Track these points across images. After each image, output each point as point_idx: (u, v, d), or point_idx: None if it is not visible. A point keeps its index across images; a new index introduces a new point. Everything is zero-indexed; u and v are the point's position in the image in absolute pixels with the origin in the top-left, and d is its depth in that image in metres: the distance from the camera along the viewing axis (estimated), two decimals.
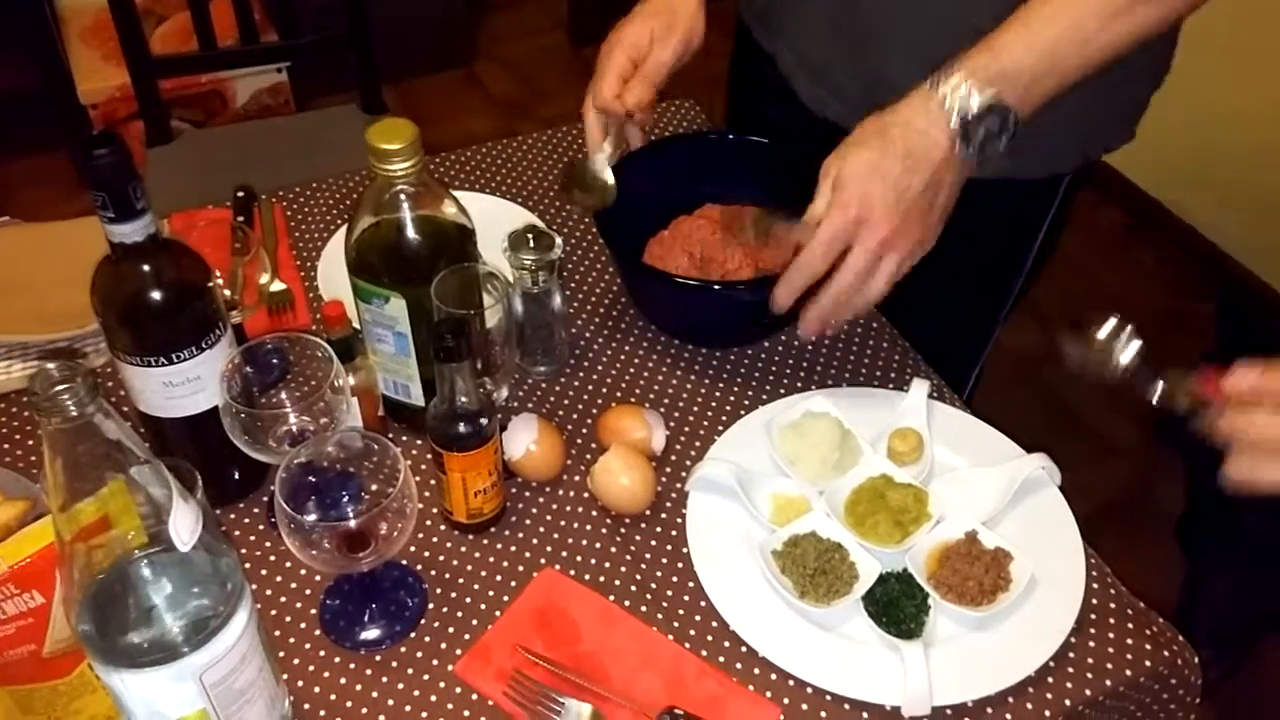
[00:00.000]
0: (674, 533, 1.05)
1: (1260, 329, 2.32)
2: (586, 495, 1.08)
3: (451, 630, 0.98)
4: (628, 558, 1.03)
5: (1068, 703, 0.93)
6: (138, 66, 2.04)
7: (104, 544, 0.72)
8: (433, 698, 0.93)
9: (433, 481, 1.06)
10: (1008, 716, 0.92)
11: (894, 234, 0.99)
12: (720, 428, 1.14)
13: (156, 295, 0.91)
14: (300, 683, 0.94)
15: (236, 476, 1.06)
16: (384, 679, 0.94)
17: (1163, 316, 2.73)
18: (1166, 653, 0.96)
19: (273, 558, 1.03)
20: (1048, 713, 0.92)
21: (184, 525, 0.73)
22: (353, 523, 0.88)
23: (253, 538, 1.05)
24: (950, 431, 1.13)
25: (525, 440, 1.06)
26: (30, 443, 1.13)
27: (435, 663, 0.95)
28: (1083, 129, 1.23)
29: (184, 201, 1.45)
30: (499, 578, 1.02)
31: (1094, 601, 0.99)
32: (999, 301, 1.45)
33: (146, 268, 0.90)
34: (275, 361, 1.07)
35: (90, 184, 0.84)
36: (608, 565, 1.03)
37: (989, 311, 1.46)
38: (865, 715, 0.92)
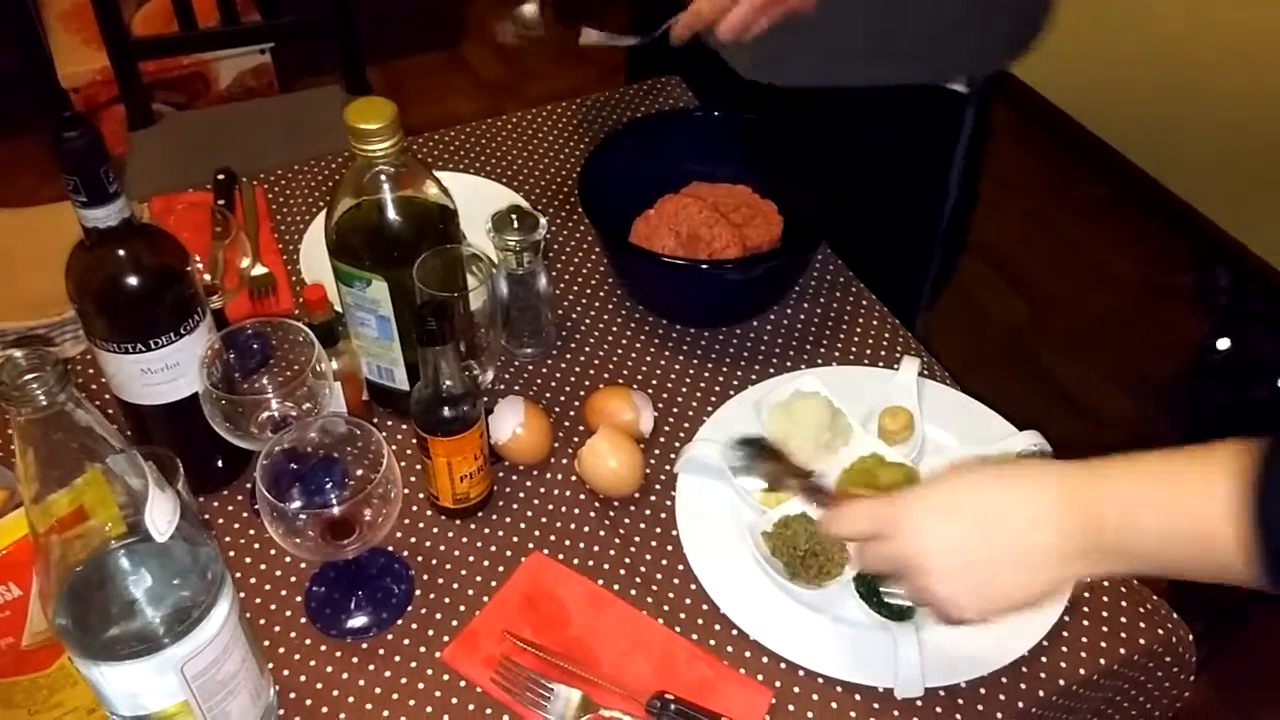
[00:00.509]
0: (663, 515, 1.04)
1: (1245, 296, 2.32)
2: (574, 478, 1.07)
3: (439, 617, 0.96)
4: (616, 541, 1.02)
5: (1062, 682, 0.92)
6: (117, 48, 2.02)
7: (81, 535, 0.71)
8: (420, 685, 0.92)
9: (418, 466, 1.05)
10: (1001, 697, 0.91)
11: None
12: (709, 408, 1.13)
13: (132, 280, 0.89)
14: (286, 672, 0.93)
15: (219, 464, 1.05)
16: (371, 667, 0.93)
17: (1145, 286, 2.73)
18: (1161, 630, 0.96)
19: (257, 545, 1.02)
20: (1041, 692, 0.91)
21: (161, 515, 0.72)
22: (336, 509, 0.87)
23: (236, 525, 1.04)
24: (941, 409, 1.11)
25: (512, 423, 1.05)
26: (11, 431, 1.11)
27: (423, 650, 0.94)
28: (980, 35, 1.28)
29: (166, 185, 1.43)
30: (486, 563, 1.00)
31: (1087, 579, 0.98)
32: (933, 223, 1.48)
33: (121, 252, 0.88)
34: (256, 347, 1.05)
35: (62, 168, 0.82)
36: (596, 549, 1.02)
37: (927, 236, 1.50)
38: (858, 697, 0.91)
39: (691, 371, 1.18)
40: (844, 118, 1.34)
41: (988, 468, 0.82)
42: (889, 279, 1.31)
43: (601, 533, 1.03)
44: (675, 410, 1.14)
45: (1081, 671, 0.93)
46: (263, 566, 1.00)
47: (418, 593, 0.98)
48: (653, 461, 1.08)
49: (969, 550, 0.78)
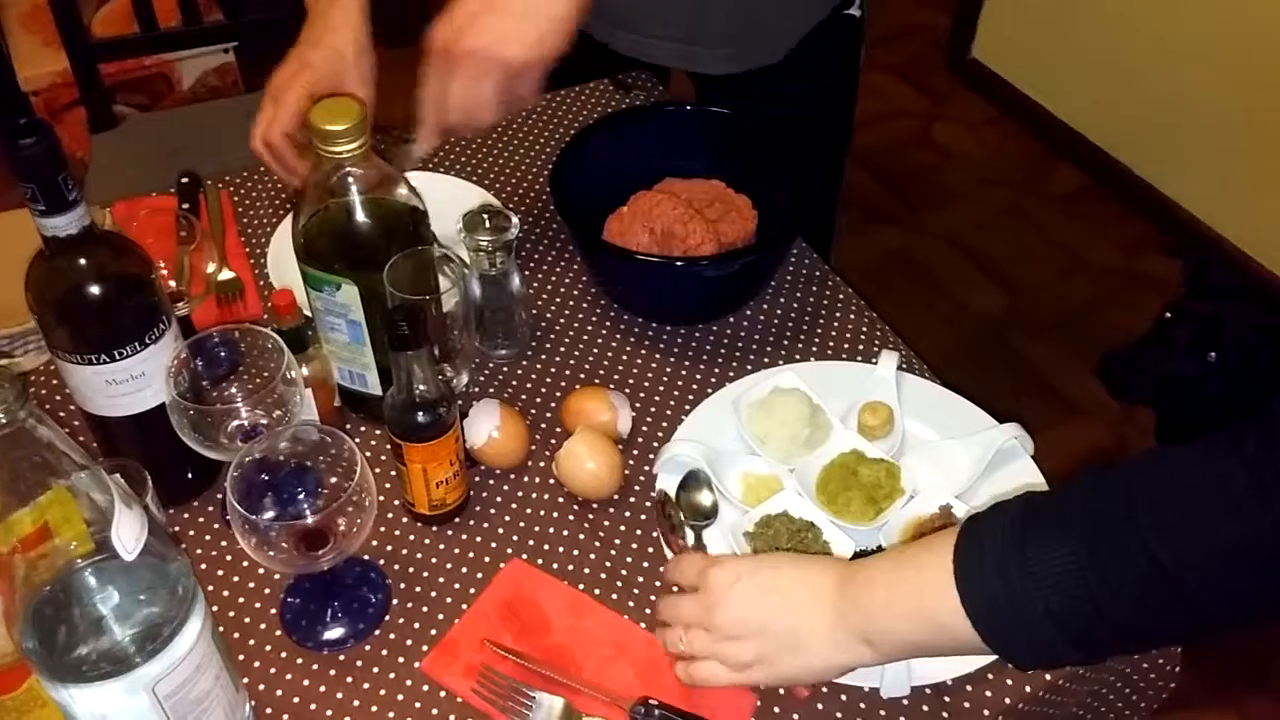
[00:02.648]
0: (643, 517, 1.03)
1: (1222, 283, 2.34)
2: (552, 482, 1.05)
3: (417, 626, 0.95)
4: (596, 545, 1.01)
5: (1048, 677, 0.91)
6: (77, 50, 1.98)
7: (45, 554, 0.69)
8: (400, 697, 0.90)
9: (393, 473, 1.03)
10: (988, 694, 0.90)
11: None
12: (687, 407, 1.11)
13: (94, 290, 0.87)
14: (262, 686, 0.91)
15: (189, 475, 1.03)
16: (349, 679, 0.91)
17: (1123, 275, 2.74)
18: None
19: (229, 558, 1.00)
20: (1028, 688, 0.90)
21: (128, 533, 0.70)
22: (309, 520, 0.85)
23: (208, 537, 1.01)
24: (921, 403, 1.11)
25: (487, 427, 1.03)
26: None
27: (401, 660, 0.92)
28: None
29: (130, 189, 1.40)
30: (464, 570, 0.99)
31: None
32: (841, 146, 1.55)
33: (82, 261, 0.86)
34: (224, 354, 1.03)
35: (18, 175, 0.80)
36: (576, 553, 1.00)
37: (837, 160, 1.56)
38: (844, 698, 0.90)
39: (669, 370, 1.16)
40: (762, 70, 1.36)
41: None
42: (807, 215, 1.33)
43: (581, 536, 1.01)
44: (653, 410, 1.12)
45: (1068, 666, 0.92)
46: (236, 579, 0.98)
47: (395, 602, 0.96)
48: (631, 462, 1.07)
49: (755, 621, 0.84)
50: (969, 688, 0.90)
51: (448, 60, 1.05)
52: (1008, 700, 0.90)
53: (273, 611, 0.96)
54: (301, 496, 0.92)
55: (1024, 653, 0.75)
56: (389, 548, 1.01)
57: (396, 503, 1.03)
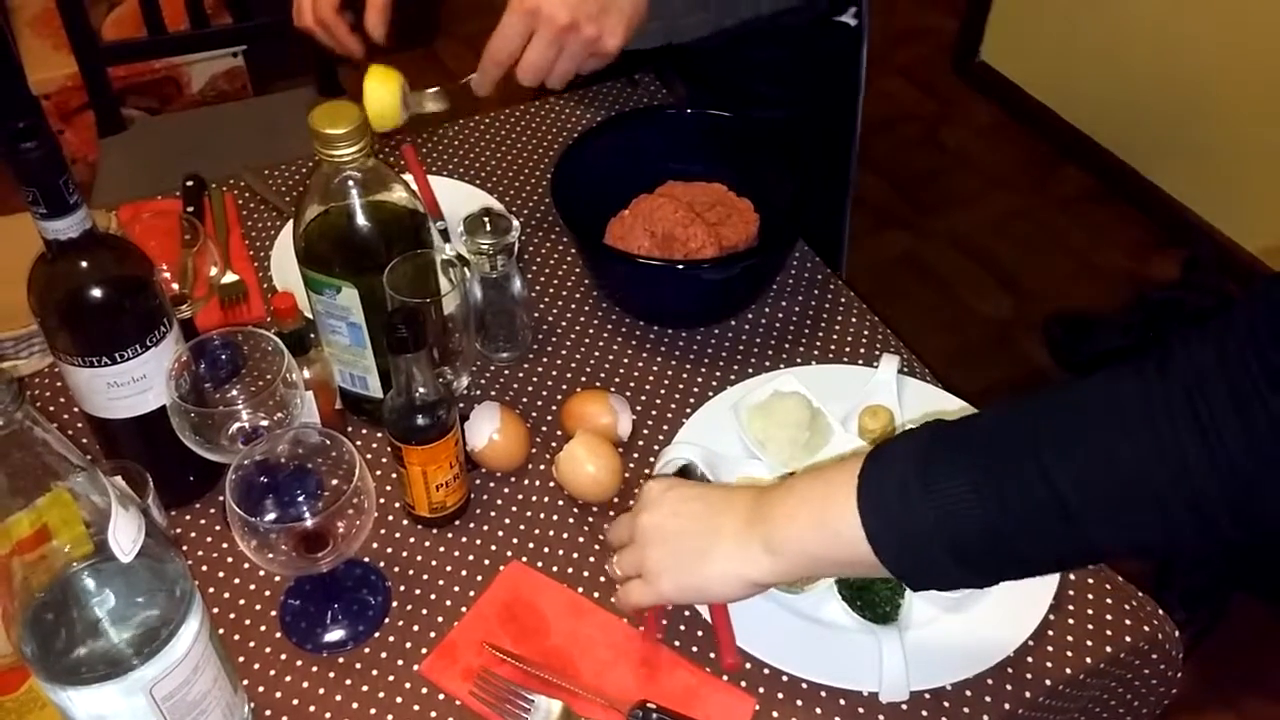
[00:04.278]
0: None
1: (1211, 279, 2.35)
2: (552, 485, 1.05)
3: (416, 629, 0.95)
4: (596, 548, 1.01)
5: (1048, 682, 0.91)
6: (85, 54, 1.99)
7: (44, 557, 0.69)
8: (398, 699, 0.90)
9: (394, 475, 1.03)
10: (988, 699, 0.90)
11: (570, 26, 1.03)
12: (687, 410, 1.11)
13: (95, 292, 0.87)
14: (261, 688, 0.91)
15: (190, 477, 1.03)
16: (348, 681, 0.92)
17: (1128, 277, 2.73)
18: (1147, 627, 0.95)
19: (230, 559, 1.00)
20: (1028, 693, 0.90)
21: (125, 535, 0.70)
22: (308, 523, 0.85)
23: (209, 539, 1.02)
24: (922, 407, 1.10)
25: (488, 430, 1.03)
26: None
27: (400, 663, 0.93)
28: None
29: (138, 192, 1.41)
30: (464, 573, 0.99)
31: (1072, 577, 0.97)
32: (847, 153, 1.57)
33: (84, 264, 0.87)
34: (225, 357, 1.03)
35: (19, 178, 0.80)
36: (576, 556, 1.00)
37: (843, 167, 1.58)
38: (842, 702, 0.90)
39: (669, 373, 1.16)
40: (751, 76, 1.39)
41: None
42: (813, 220, 1.32)
43: (581, 540, 1.01)
44: (654, 413, 1.13)
45: (1068, 671, 0.92)
46: (237, 580, 0.99)
47: (394, 604, 0.97)
48: (632, 465, 1.07)
49: (670, 526, 0.86)
50: (968, 693, 0.90)
51: (537, 19, 1.04)
52: (1007, 705, 0.90)
53: (273, 613, 0.96)
54: (301, 499, 0.93)
55: (912, 570, 0.76)
56: (389, 550, 1.01)
57: (397, 505, 1.04)
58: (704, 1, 1.31)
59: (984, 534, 0.71)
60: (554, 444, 1.08)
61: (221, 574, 0.99)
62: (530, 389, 1.15)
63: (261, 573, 0.99)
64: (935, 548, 0.73)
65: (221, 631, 0.94)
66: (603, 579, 0.98)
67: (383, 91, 1.07)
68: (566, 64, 1.07)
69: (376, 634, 0.94)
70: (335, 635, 0.94)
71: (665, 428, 1.11)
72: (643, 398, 1.14)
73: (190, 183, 1.34)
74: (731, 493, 0.87)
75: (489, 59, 1.07)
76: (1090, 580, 0.98)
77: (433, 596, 0.97)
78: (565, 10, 1.02)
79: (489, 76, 1.09)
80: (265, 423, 0.93)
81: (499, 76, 1.09)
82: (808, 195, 1.18)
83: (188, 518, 1.03)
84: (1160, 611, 0.97)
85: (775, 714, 0.89)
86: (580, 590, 0.97)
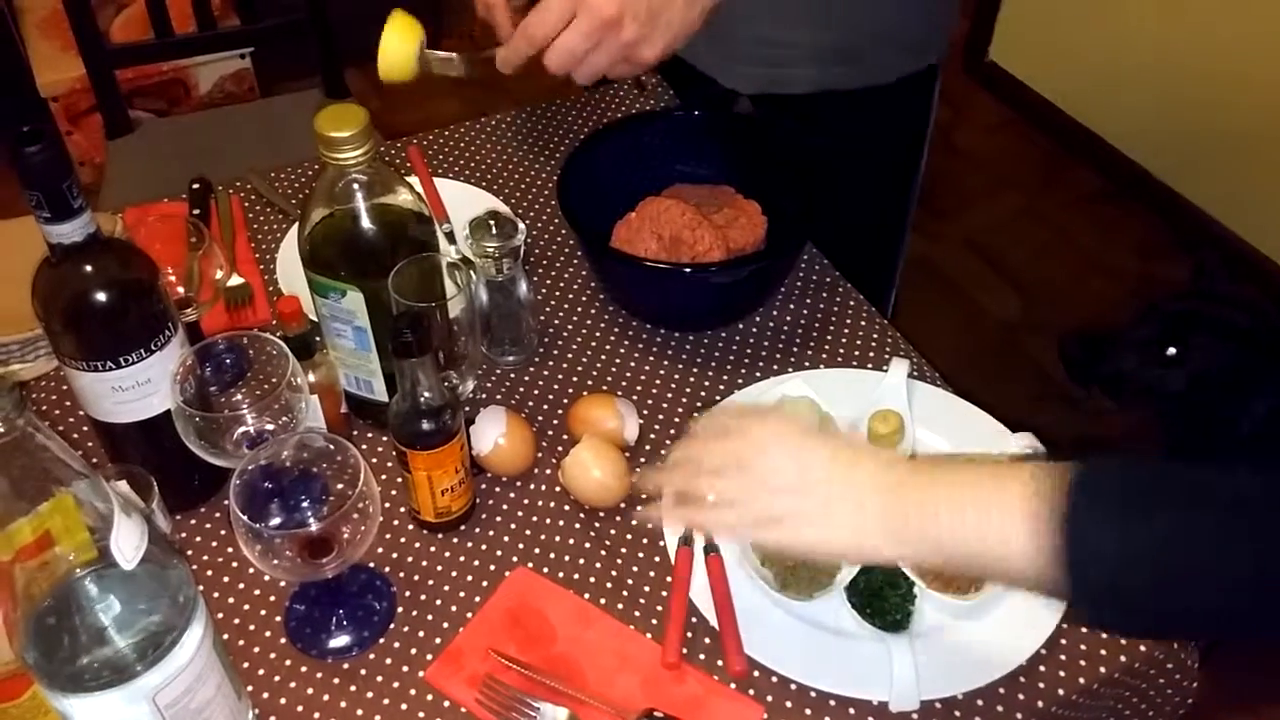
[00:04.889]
0: (650, 526, 1.02)
1: (1221, 285, 2.33)
2: (558, 489, 1.05)
3: (421, 635, 0.94)
4: (602, 553, 1.00)
5: (1061, 692, 0.90)
6: (93, 56, 1.99)
7: (46, 563, 0.69)
8: (403, 706, 0.90)
9: (399, 480, 1.02)
10: (999, 709, 0.89)
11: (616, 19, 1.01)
12: (695, 415, 1.11)
13: (100, 296, 0.87)
14: (265, 695, 0.91)
15: (195, 482, 1.03)
16: (353, 687, 0.91)
17: (1138, 277, 2.71)
18: None
19: (235, 564, 0.99)
20: (1041, 703, 0.89)
21: (127, 542, 0.69)
22: (313, 528, 0.85)
23: (214, 544, 1.01)
24: (931, 412, 1.09)
25: (493, 434, 1.03)
26: None
27: (405, 669, 0.92)
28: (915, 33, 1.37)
29: (146, 194, 1.40)
30: (469, 578, 0.98)
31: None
32: (906, 199, 1.53)
33: (88, 268, 0.86)
34: (230, 361, 1.03)
35: (24, 182, 0.80)
36: (582, 562, 0.99)
37: (900, 213, 1.54)
38: (851, 711, 0.89)
39: (676, 377, 1.16)
40: (820, 112, 1.33)
41: None
42: (862, 263, 1.31)
43: (587, 545, 1.01)
44: (660, 417, 1.12)
45: (1082, 681, 0.91)
46: (242, 586, 0.98)
47: (400, 610, 0.96)
48: (638, 471, 1.06)
49: (798, 477, 0.81)
50: (979, 702, 0.89)
51: (582, 4, 1.01)
52: (1019, 715, 0.89)
53: (278, 619, 0.96)
54: (306, 504, 0.92)
55: (1094, 605, 0.72)
56: (394, 556, 1.00)
57: (402, 510, 1.03)
58: (819, 55, 1.28)
59: (1183, 589, 0.69)
60: (560, 448, 1.08)
61: (226, 579, 0.99)
62: (536, 393, 1.14)
63: (266, 578, 0.98)
64: (1135, 588, 0.70)
65: (226, 637, 0.94)
66: (609, 585, 0.98)
67: (399, 43, 1.05)
68: (599, 59, 1.04)
69: (381, 640, 0.94)
70: (340, 641, 0.94)
71: (672, 432, 1.10)
72: (649, 402, 1.13)
73: (196, 185, 1.33)
74: (859, 456, 0.81)
75: (522, 35, 1.04)
76: None
77: (438, 602, 0.96)
78: (614, 3, 0.99)
79: (518, 53, 1.05)
80: (270, 427, 0.92)
81: (527, 55, 1.05)
82: (817, 198, 1.17)
83: (192, 522, 1.03)
84: None
85: None
86: (586, 596, 0.97)
